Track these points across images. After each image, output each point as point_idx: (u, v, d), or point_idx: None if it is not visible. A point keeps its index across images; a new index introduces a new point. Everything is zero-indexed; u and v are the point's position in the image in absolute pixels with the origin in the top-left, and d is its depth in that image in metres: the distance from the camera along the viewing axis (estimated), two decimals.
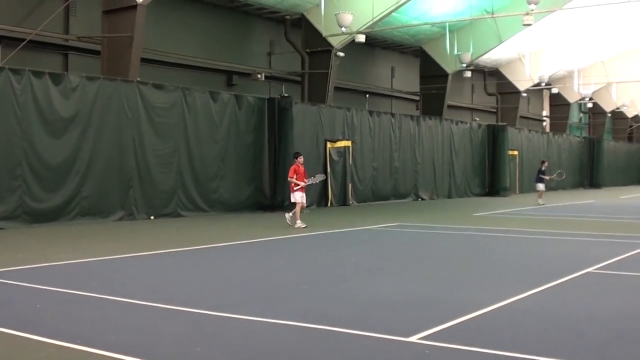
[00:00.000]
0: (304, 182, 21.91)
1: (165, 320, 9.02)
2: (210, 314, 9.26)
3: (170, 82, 27.41)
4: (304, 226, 21.48)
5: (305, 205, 22.24)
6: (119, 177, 23.92)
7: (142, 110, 24.73)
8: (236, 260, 15.16)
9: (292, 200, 21.97)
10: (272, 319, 8.93)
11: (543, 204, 34.99)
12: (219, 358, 7.28)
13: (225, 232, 21.05)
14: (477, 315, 9.29)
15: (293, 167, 22.05)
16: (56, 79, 22.56)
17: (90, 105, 23.21)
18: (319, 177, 23.54)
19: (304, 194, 21.98)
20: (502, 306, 9.92)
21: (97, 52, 26.83)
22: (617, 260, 14.90)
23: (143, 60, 26.86)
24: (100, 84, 23.57)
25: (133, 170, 24.30)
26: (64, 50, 28.89)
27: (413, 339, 7.99)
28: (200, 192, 26.61)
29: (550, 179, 38.73)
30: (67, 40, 28.56)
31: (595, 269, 13.57)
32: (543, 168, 37.12)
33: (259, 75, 35.64)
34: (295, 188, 21.74)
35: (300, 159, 22.21)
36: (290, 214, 21.80)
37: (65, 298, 10.44)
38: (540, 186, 36.66)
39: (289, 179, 22.03)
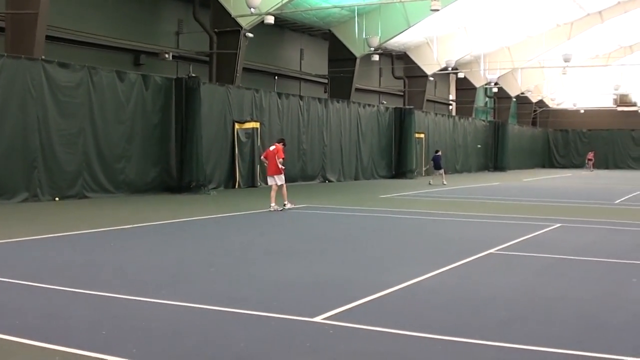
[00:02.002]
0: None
1: (71, 304, 8.99)
2: (116, 297, 9.26)
3: (76, 60, 26.95)
4: (290, 206, 22.29)
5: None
6: (23, 157, 23.47)
7: (47, 89, 24.27)
8: (142, 242, 15.10)
9: (280, 182, 22.30)
10: (179, 301, 8.99)
11: (431, 184, 37.45)
12: (125, 341, 7.31)
13: (131, 213, 20.91)
14: (382, 295, 9.51)
15: (281, 149, 22.57)
16: None
17: None
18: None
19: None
20: (406, 286, 10.17)
21: (0, 29, 26.24)
22: (520, 241, 15.38)
23: (48, 37, 26.37)
24: (4, 62, 23.05)
25: (37, 150, 23.86)
26: None
27: (318, 319, 8.15)
28: (106, 173, 26.29)
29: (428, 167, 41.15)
30: None
31: (497, 250, 13.99)
32: (439, 153, 40.13)
33: (167, 55, 35.36)
34: (283, 169, 22.36)
35: (283, 144, 23.02)
36: (286, 202, 22.31)
37: None
38: (440, 171, 39.79)
39: (281, 160, 22.34)
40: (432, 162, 41.10)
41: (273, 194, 21.95)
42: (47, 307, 8.76)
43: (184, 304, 8.89)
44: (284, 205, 22.10)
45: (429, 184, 38.41)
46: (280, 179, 22.27)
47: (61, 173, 24.65)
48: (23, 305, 8.82)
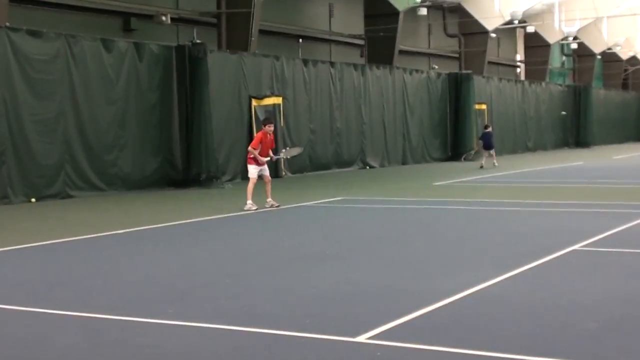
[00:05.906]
0: (267, 157, 21.32)
1: (57, 330, 8.98)
2: (112, 319, 9.24)
3: (51, 27, 27.01)
4: (255, 208, 20.84)
5: (270, 179, 21.60)
6: None
7: (14, 63, 24.25)
8: (142, 250, 15.12)
9: (249, 175, 21.53)
10: (188, 321, 8.98)
11: (483, 168, 36.53)
12: None
13: (128, 215, 20.99)
14: (440, 307, 9.45)
15: (259, 135, 21.73)
16: None
17: None
18: (293, 151, 23.32)
19: (264, 167, 21.33)
20: (469, 294, 10.10)
21: None
22: (610, 235, 15.23)
23: (13, 0, 26.47)
24: None
25: (6, 140, 23.85)
26: None
27: (361, 339, 8.10)
28: (94, 166, 26.33)
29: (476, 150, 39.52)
30: None
31: (582, 246, 13.87)
32: (490, 129, 38.49)
33: (164, 18, 35.36)
34: (251, 159, 21.26)
35: (269, 127, 21.70)
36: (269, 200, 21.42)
37: None
38: (491, 151, 38.46)
39: (249, 149, 21.52)
40: (480, 141, 40.04)
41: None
42: (27, 334, 8.73)
43: (195, 324, 8.87)
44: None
45: (481, 167, 37.41)
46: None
47: (37, 168, 24.69)
48: None
